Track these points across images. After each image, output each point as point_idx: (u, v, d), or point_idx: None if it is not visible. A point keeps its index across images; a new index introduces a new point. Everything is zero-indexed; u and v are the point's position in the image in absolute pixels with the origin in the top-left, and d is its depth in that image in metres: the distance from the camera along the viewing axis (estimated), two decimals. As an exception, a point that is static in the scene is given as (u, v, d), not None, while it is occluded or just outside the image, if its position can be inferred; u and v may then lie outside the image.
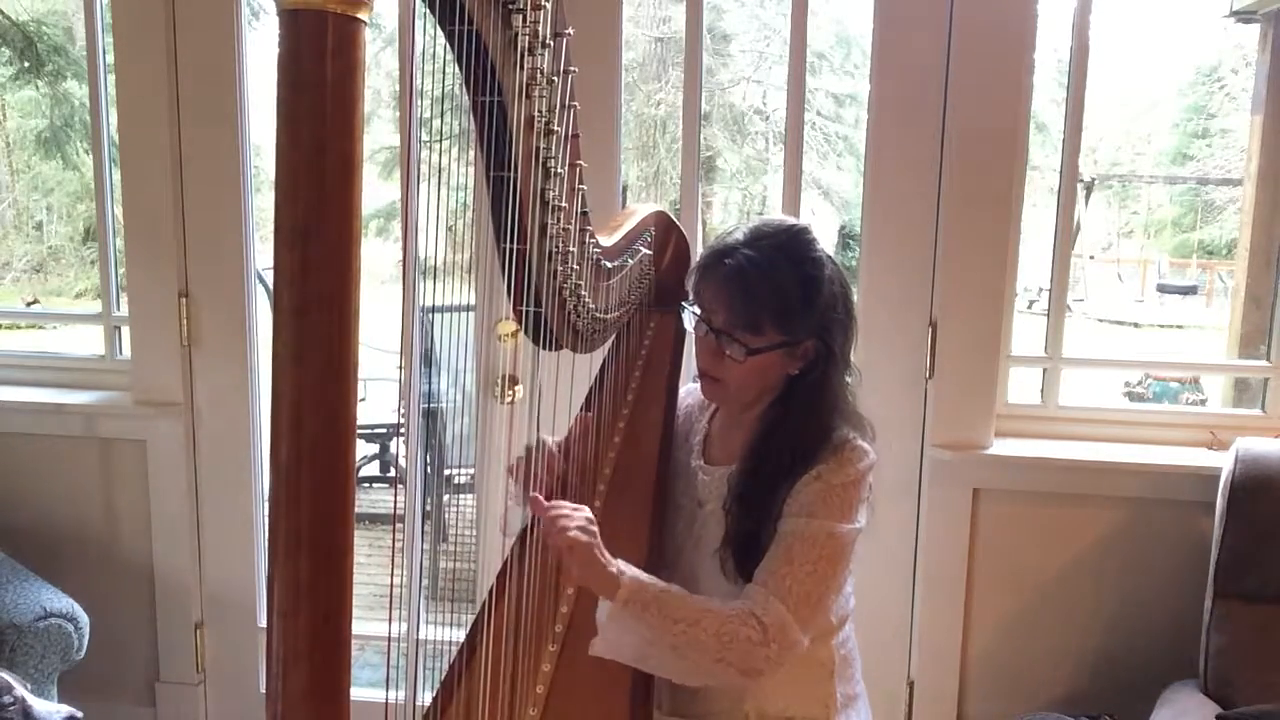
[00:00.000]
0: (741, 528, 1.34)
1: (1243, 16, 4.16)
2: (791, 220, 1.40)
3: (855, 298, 1.41)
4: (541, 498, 1.24)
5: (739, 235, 1.35)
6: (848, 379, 1.39)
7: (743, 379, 1.35)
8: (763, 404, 1.39)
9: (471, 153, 1.09)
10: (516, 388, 2.22)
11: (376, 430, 4.84)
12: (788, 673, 1.31)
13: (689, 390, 1.58)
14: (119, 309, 2.57)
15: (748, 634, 1.21)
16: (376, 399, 5.24)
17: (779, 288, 1.30)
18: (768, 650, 1.22)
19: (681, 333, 1.63)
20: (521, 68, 1.04)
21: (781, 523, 1.31)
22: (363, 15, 0.68)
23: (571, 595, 1.37)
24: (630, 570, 1.22)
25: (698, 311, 1.36)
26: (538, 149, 1.11)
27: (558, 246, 1.20)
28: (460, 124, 1.09)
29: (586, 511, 1.23)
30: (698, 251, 1.79)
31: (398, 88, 2.40)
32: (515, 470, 1.43)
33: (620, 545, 1.25)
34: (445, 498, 3.77)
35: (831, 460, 1.32)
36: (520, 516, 1.44)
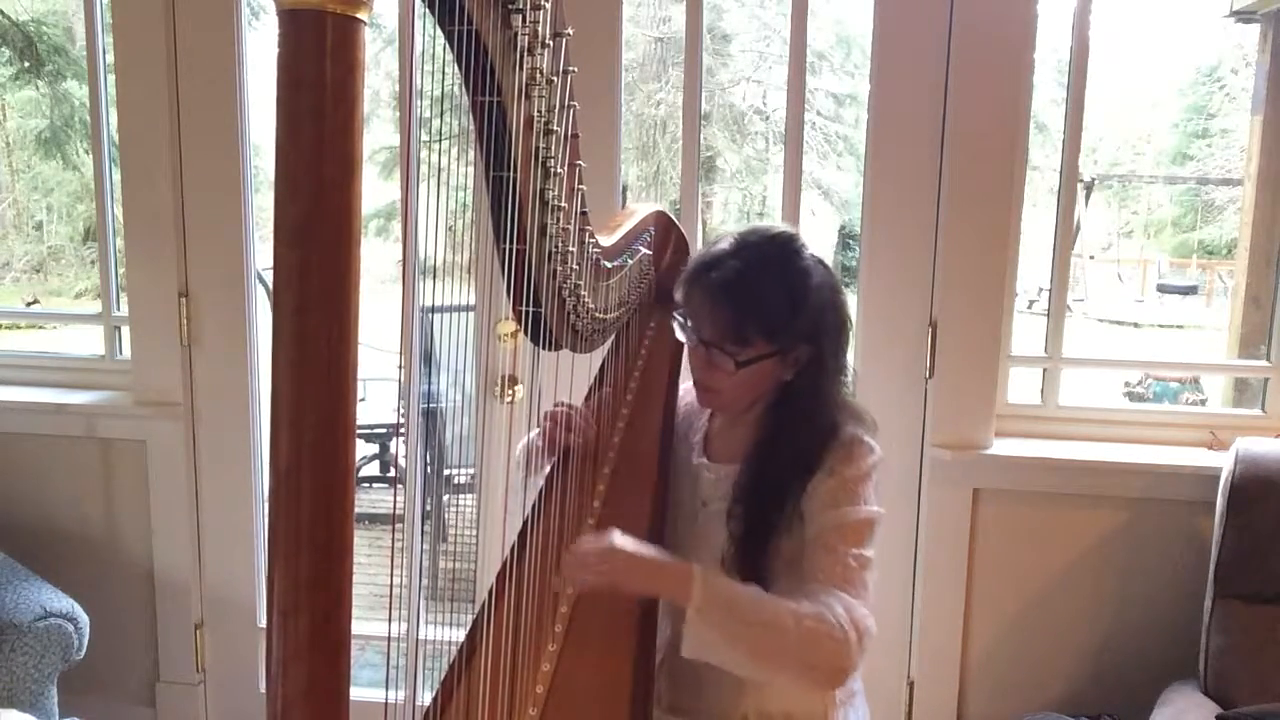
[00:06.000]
0: (747, 531, 1.33)
1: (1243, 16, 4.15)
2: (780, 228, 1.38)
3: (856, 298, 1.41)
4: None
5: (725, 245, 1.34)
6: (843, 380, 1.38)
7: (736, 388, 1.35)
8: (761, 406, 1.39)
9: (471, 153, 1.09)
10: (516, 387, 2.23)
11: (376, 430, 4.84)
12: None
13: (688, 388, 1.58)
14: (119, 309, 2.57)
15: (828, 630, 1.18)
16: (376, 399, 5.23)
17: (764, 299, 1.30)
18: (849, 644, 1.19)
19: None
20: (521, 68, 1.04)
21: (807, 526, 1.31)
22: (362, 15, 0.68)
23: (571, 595, 1.37)
24: (703, 571, 1.21)
25: (686, 323, 1.36)
26: (537, 149, 1.11)
27: (557, 246, 1.20)
28: (460, 124, 1.09)
29: (603, 540, 1.21)
30: (698, 252, 1.79)
31: (398, 88, 2.40)
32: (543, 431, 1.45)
33: None
34: (445, 498, 3.78)
35: (842, 454, 1.32)
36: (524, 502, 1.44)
